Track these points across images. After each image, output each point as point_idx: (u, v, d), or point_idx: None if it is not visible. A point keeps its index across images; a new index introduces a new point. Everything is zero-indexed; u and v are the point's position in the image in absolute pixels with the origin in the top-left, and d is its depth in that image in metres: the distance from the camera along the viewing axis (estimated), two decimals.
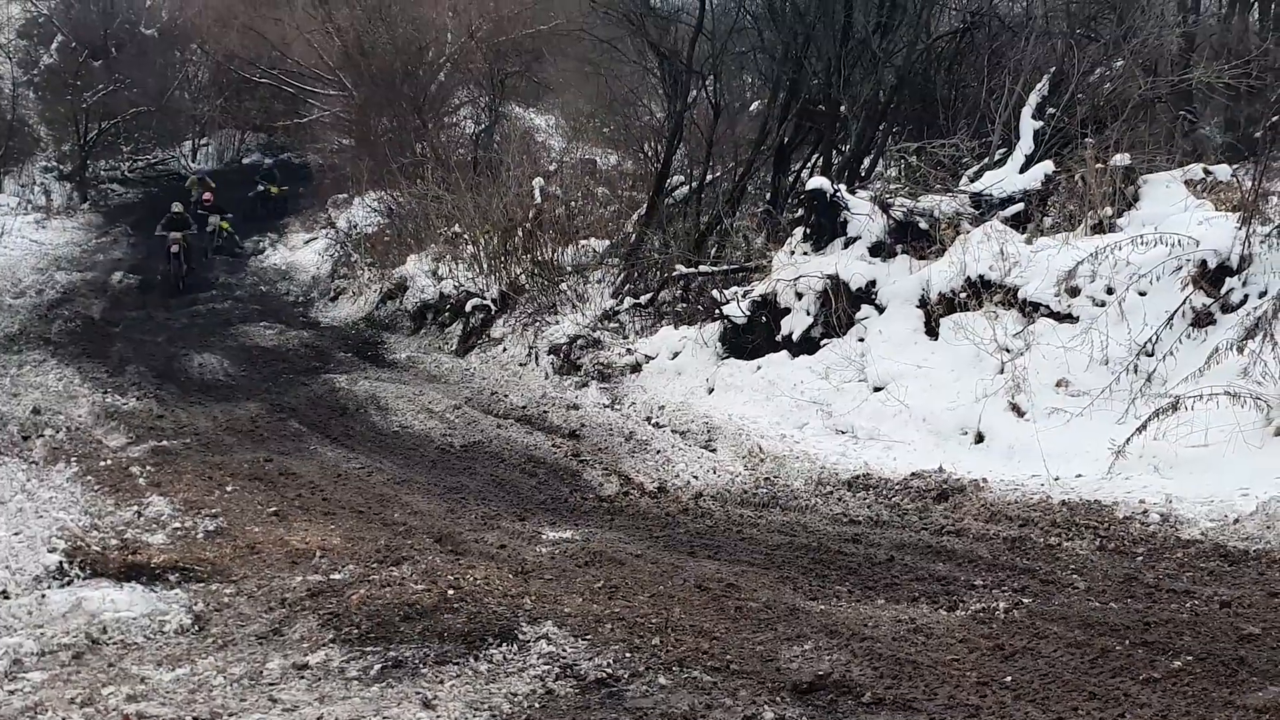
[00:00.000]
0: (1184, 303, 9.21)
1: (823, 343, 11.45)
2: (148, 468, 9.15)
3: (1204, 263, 9.44)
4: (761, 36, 16.93)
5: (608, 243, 17.28)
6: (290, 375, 14.75)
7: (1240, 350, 8.42)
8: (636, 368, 12.88)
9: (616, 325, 14.38)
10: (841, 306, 11.49)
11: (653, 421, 11.17)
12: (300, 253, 26.68)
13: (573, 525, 7.69)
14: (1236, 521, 6.48)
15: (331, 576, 6.16)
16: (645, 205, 16.89)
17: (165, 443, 10.28)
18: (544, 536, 7.30)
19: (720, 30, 16.91)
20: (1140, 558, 6.21)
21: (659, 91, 18.86)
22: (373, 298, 20.02)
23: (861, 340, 11.15)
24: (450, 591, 5.79)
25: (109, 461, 9.45)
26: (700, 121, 17.34)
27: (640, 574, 6.28)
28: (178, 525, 7.34)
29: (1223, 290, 9.26)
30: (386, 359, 16.26)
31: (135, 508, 7.73)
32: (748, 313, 12.28)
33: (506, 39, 27.93)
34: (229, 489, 8.42)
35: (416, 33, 27.93)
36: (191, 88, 38.06)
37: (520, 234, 17.32)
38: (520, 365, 14.61)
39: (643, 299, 14.72)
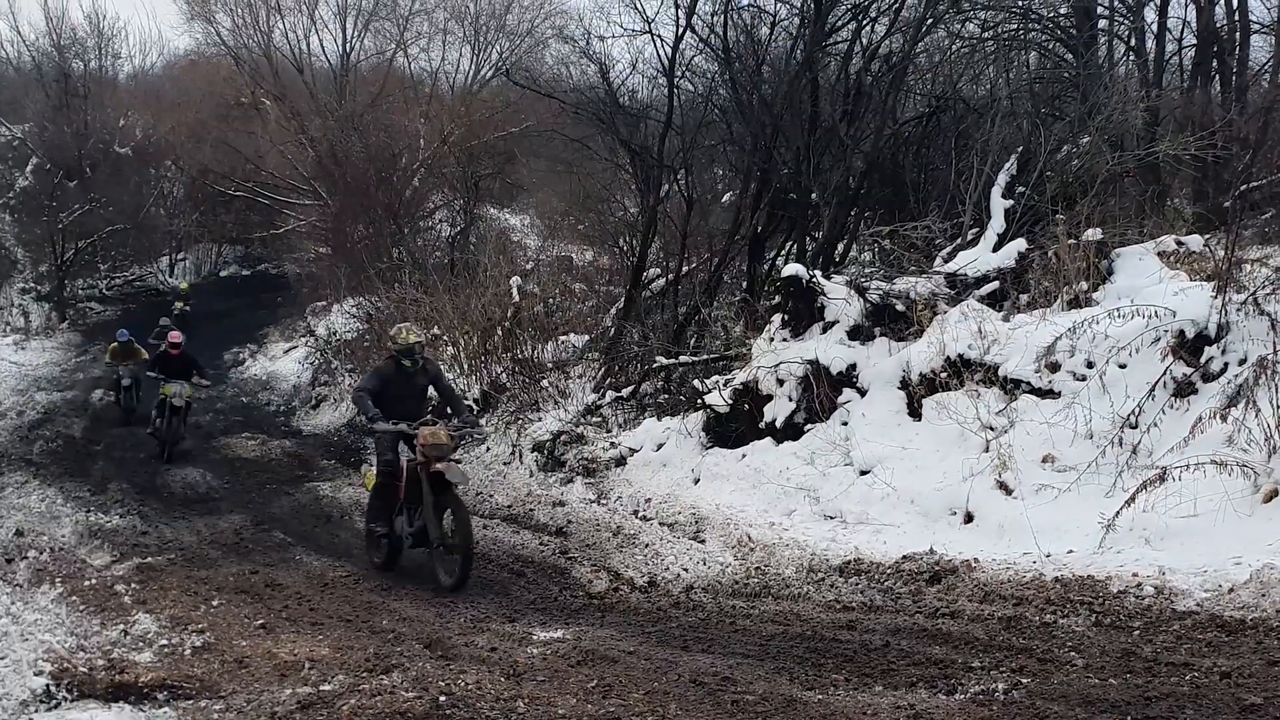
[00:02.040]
0: (1165, 373, 9.26)
1: (806, 428, 11.44)
2: (133, 585, 8.99)
3: (1182, 333, 9.52)
4: (730, 129, 17.20)
5: (587, 338, 17.34)
6: (274, 485, 14.63)
7: (1224, 418, 8.44)
8: (621, 461, 12.83)
9: (599, 419, 14.36)
10: (823, 391, 11.50)
11: (640, 515, 11.09)
12: (280, 362, 26.67)
13: (563, 624, 7.58)
14: (1231, 591, 6.42)
15: (321, 688, 6.02)
16: (623, 299, 17.00)
17: (150, 559, 10.14)
18: (535, 637, 7.19)
19: (689, 124, 17.18)
20: (1137, 631, 6.14)
21: (631, 187, 19.11)
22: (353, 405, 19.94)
23: (845, 424, 11.15)
24: (442, 698, 5.67)
25: (94, 581, 9.28)
26: (674, 214, 17.55)
27: (634, 671, 6.17)
28: (164, 642, 7.18)
29: (1202, 359, 9.32)
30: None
31: (121, 626, 7.58)
32: (730, 401, 12.28)
33: (479, 142, 28.33)
34: (215, 603, 8.27)
35: (389, 140, 28.32)
36: (167, 204, 38.37)
37: (499, 333, 17.37)
38: (504, 464, 14.53)
39: (624, 392, 14.72)
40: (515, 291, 18.12)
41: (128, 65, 43.14)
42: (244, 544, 11.15)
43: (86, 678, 6.32)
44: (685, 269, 16.87)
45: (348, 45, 37.47)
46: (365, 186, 26.93)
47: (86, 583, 9.17)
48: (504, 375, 16.73)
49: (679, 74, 16.70)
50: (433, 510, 9.21)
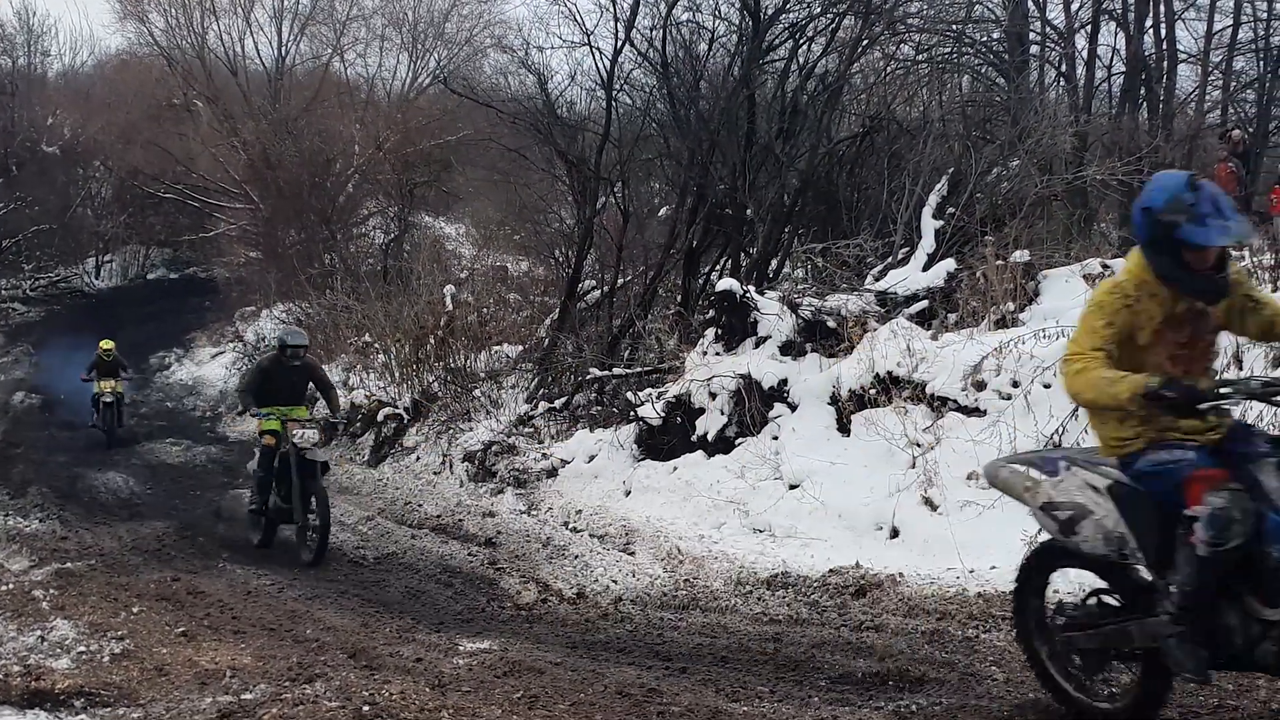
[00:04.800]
0: None
1: (738, 442, 11.50)
2: (51, 591, 8.81)
3: None
4: (668, 143, 17.27)
5: (521, 348, 17.31)
6: (198, 492, 14.42)
7: None
8: (553, 472, 12.81)
9: (531, 430, 14.33)
10: (755, 405, 11.57)
11: (570, 526, 11.08)
12: (207, 367, 26.31)
13: (491, 635, 7.54)
14: None
15: (242, 697, 5.94)
16: (558, 310, 16.98)
17: (69, 565, 9.92)
18: (461, 648, 7.14)
19: (627, 137, 17.21)
20: None
21: (568, 198, 19.10)
22: None
23: (776, 438, 11.22)
24: (365, 708, 5.62)
25: (10, 586, 9.08)
26: (610, 227, 17.57)
27: (560, 682, 6.16)
28: (83, 649, 7.05)
29: None
30: None
31: (39, 632, 7.42)
32: (662, 414, 12.31)
33: (414, 150, 28.15)
34: (135, 610, 8.13)
35: (324, 145, 28.07)
36: (94, 204, 37.69)
37: (432, 342, 17.27)
38: (434, 474, 14.44)
39: (557, 403, 14.70)
40: (449, 300, 18.04)
41: (57, 63, 42.40)
42: (166, 550, 10.97)
43: (1, 684, 6.19)
44: (620, 281, 16.90)
45: (283, 49, 37.08)
46: (298, 191, 26.67)
47: (3, 588, 8.99)
48: (436, 384, 16.63)
49: (617, 87, 16.76)
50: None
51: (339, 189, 28.14)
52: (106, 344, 20.00)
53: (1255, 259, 11.93)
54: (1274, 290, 9.67)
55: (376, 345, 18.60)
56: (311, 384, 12.02)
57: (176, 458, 17.27)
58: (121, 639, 7.23)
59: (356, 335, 19.55)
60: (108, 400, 19.16)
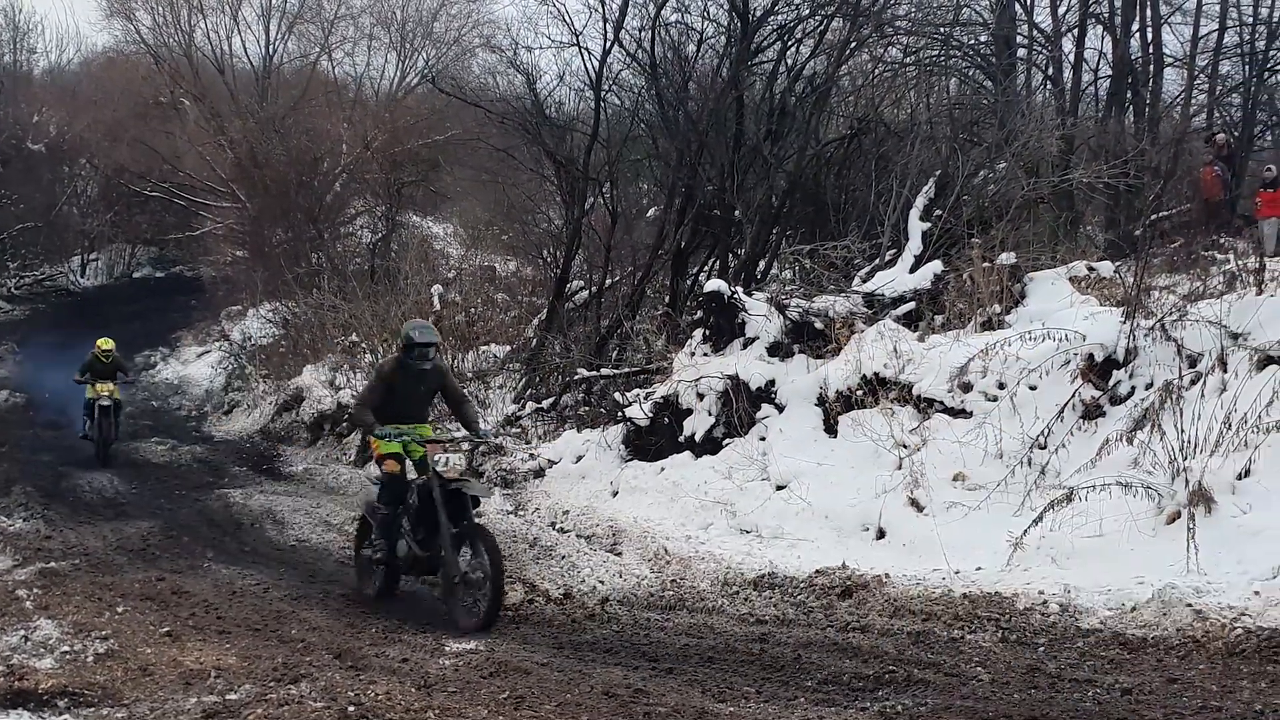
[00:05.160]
0: (1073, 396, 9.47)
1: (725, 442, 11.50)
2: (35, 590, 8.77)
3: (1091, 356, 9.75)
4: (656, 144, 17.28)
5: (508, 348, 17.29)
6: (183, 491, 14.36)
7: (1130, 441, 8.67)
8: (540, 473, 12.79)
9: (519, 430, 14.31)
10: (742, 406, 11.58)
11: (557, 527, 11.07)
12: (193, 366, 26.21)
13: (477, 636, 7.53)
14: (1134, 610, 6.58)
15: (227, 697, 5.92)
16: (545, 310, 16.98)
17: (53, 564, 9.87)
18: (448, 648, 7.13)
19: (615, 138, 17.22)
20: (1042, 648, 6.27)
21: (557, 198, 19.09)
22: (268, 410, 19.67)
23: (763, 439, 11.22)
24: (351, 709, 5.61)
25: None
26: (598, 227, 17.56)
27: (546, 683, 6.15)
28: (67, 649, 7.02)
29: (1110, 383, 9.55)
30: (283, 472, 15.93)
31: (22, 632, 7.39)
32: (650, 414, 12.31)
33: (402, 149, 28.08)
34: (120, 610, 8.10)
35: (311, 144, 27.97)
36: (80, 202, 37.47)
37: None
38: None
39: (545, 403, 14.69)
40: (436, 300, 18.02)
41: (44, 61, 42.11)
42: (151, 550, 10.92)
43: None
44: (608, 282, 16.89)
45: (271, 47, 36.93)
46: (285, 190, 26.56)
47: None
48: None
49: (606, 87, 16.76)
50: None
51: (326, 188, 28.05)
52: (105, 343, 17.54)
53: (1240, 263, 12.00)
54: (1258, 293, 9.70)
55: (363, 345, 18.55)
56: (440, 393, 9.44)
57: (161, 457, 17.20)
58: (106, 639, 7.20)
59: (343, 335, 19.49)
60: (104, 404, 16.72)
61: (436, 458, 8.33)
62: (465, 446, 9.12)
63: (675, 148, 16.00)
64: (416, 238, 26.76)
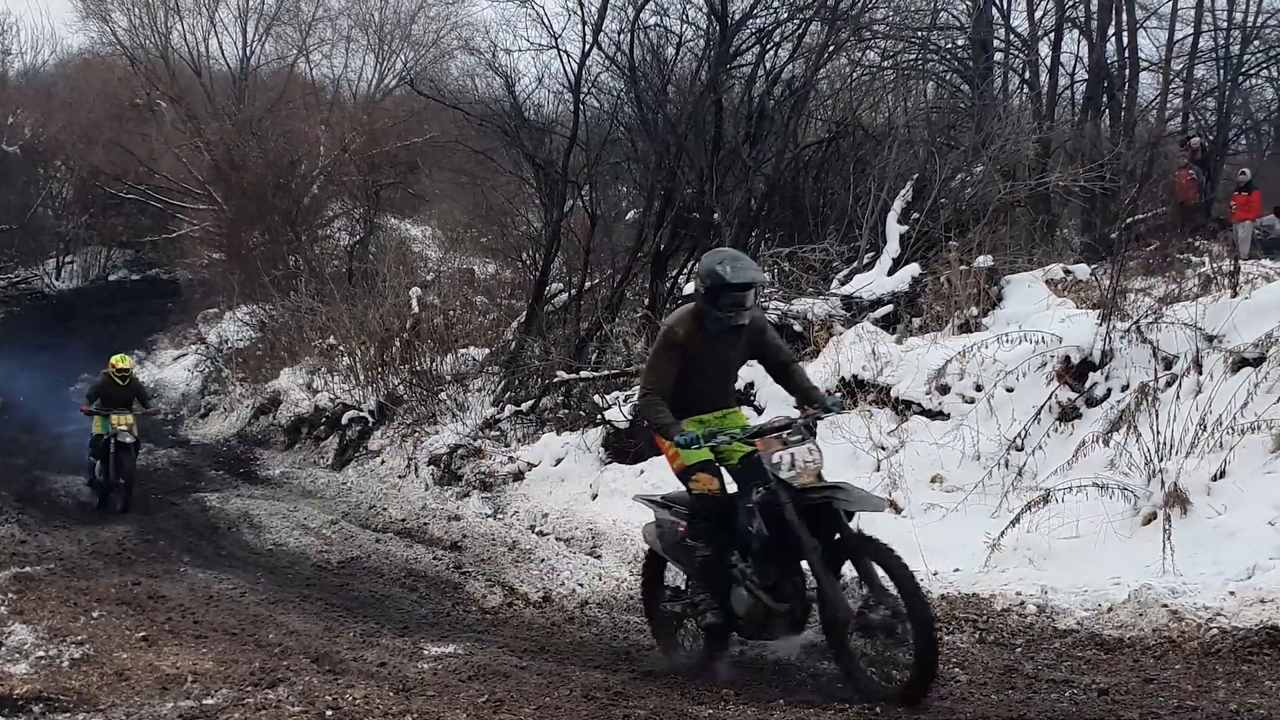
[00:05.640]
0: (1050, 398, 9.52)
1: None
2: (10, 595, 8.71)
3: (1067, 359, 9.81)
4: (635, 147, 17.29)
5: (487, 351, 17.26)
6: (159, 495, 14.28)
7: (1106, 443, 8.72)
8: (519, 476, 12.78)
9: (498, 433, 14.28)
10: None
11: (536, 530, 11.06)
12: (169, 369, 26.07)
13: (456, 639, 7.51)
14: (1110, 610, 6.62)
15: (204, 702, 5.89)
16: (525, 313, 16.95)
17: (28, 569, 9.81)
18: (426, 652, 7.11)
19: (594, 140, 17.21)
20: (1019, 649, 6.30)
21: (535, 201, 19.07)
22: (245, 413, 19.60)
23: None
24: (329, 713, 5.60)
25: None
26: (577, 230, 17.55)
27: (526, 686, 6.14)
28: (42, 654, 6.97)
29: (1086, 385, 9.62)
30: (260, 475, 15.86)
31: None
32: (630, 417, 12.30)
33: (380, 151, 28.01)
34: (95, 614, 8.05)
35: (289, 146, 27.90)
36: (55, 205, 37.21)
37: (398, 344, 17.20)
38: (399, 477, 14.37)
39: (524, 406, 14.66)
40: (415, 302, 17.98)
41: (18, 62, 41.78)
42: (126, 554, 10.87)
43: None
44: (588, 284, 16.88)
45: (248, 49, 36.79)
46: (262, 192, 26.48)
47: None
48: (401, 387, 16.56)
49: (585, 90, 16.75)
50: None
51: (304, 190, 27.97)
52: (122, 360, 14.36)
53: (1215, 266, 12.09)
54: (1233, 296, 9.76)
55: (341, 348, 18.50)
56: (759, 359, 6.47)
57: (137, 461, 17.10)
58: (81, 644, 7.16)
59: (321, 338, 19.43)
60: (124, 441, 13.43)
61: (777, 458, 5.78)
62: (810, 429, 6.08)
63: (654, 150, 16.02)
64: (394, 240, 26.70)
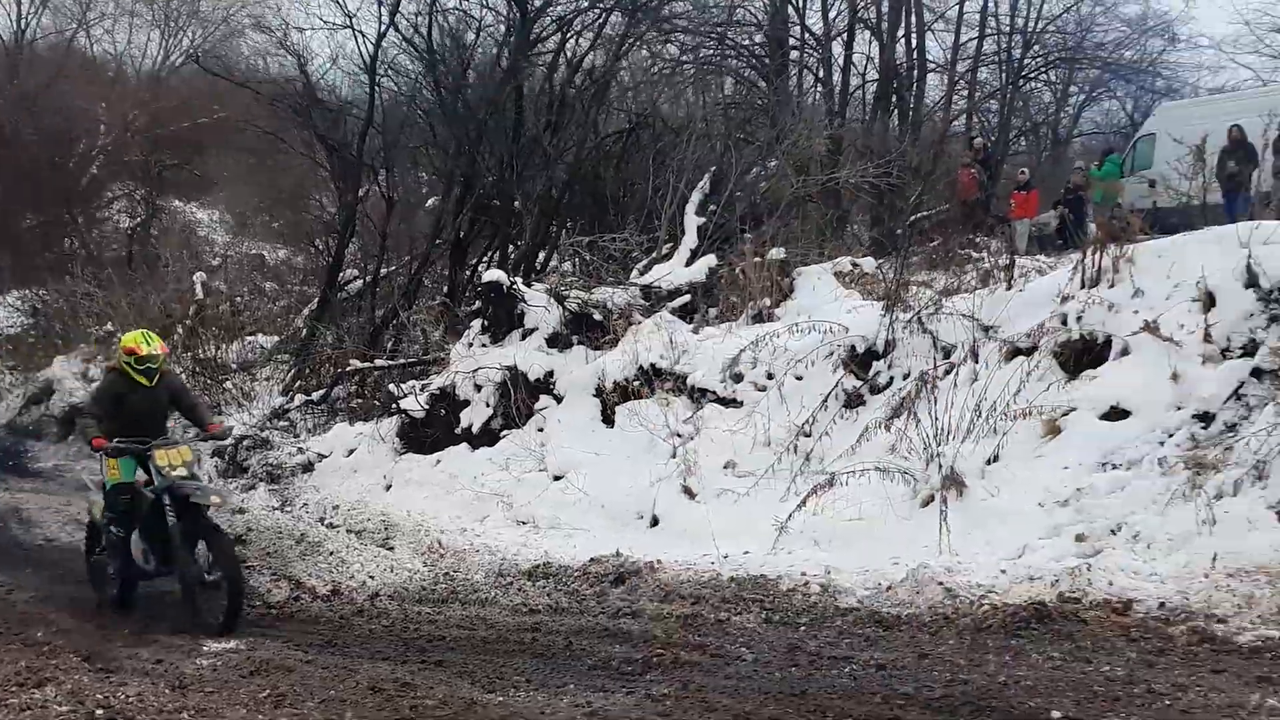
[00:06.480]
0: (836, 385, 9.81)
1: (503, 434, 11.42)
2: None
3: (853, 348, 10.13)
4: (434, 132, 17.00)
5: (277, 338, 16.71)
6: None
7: (888, 428, 9.04)
8: (309, 467, 12.43)
9: (287, 424, 13.85)
10: (520, 397, 11.53)
11: (326, 522, 10.75)
12: None
13: (238, 635, 7.23)
14: (889, 589, 6.85)
15: None
16: (317, 299, 16.49)
17: None
18: (205, 648, 6.83)
19: (391, 124, 16.85)
20: (803, 627, 6.46)
21: (330, 185, 18.55)
22: (15, 403, 18.48)
23: (541, 430, 11.21)
24: (99, 711, 5.33)
25: None
26: (374, 215, 17.16)
27: (310, 680, 5.95)
28: None
29: (871, 373, 9.94)
30: (30, 469, 15.02)
31: None
32: (426, 406, 12.11)
33: (165, 131, 26.80)
34: None
35: (66, 123, 26.42)
36: None
37: (180, 331, 16.49)
38: None
39: (315, 396, 14.26)
40: (199, 288, 17.28)
41: None
42: None
43: None
44: (384, 271, 16.54)
45: (23, 22, 34.57)
46: (36, 171, 25.02)
47: None
48: (184, 376, 15.87)
49: (381, 72, 16.39)
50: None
51: (82, 170, 26.57)
52: (148, 341, 7.98)
53: (994, 260, 12.68)
54: (1008, 289, 10.24)
55: (119, 335, 17.63)
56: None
57: None
58: None
59: (98, 324, 18.47)
60: (188, 495, 7.58)
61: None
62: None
63: (454, 136, 15.80)
64: (179, 223, 25.62)
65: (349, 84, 18.97)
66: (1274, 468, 6.87)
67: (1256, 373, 7.79)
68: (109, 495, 8.05)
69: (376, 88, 16.21)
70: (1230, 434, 7.48)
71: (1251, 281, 8.32)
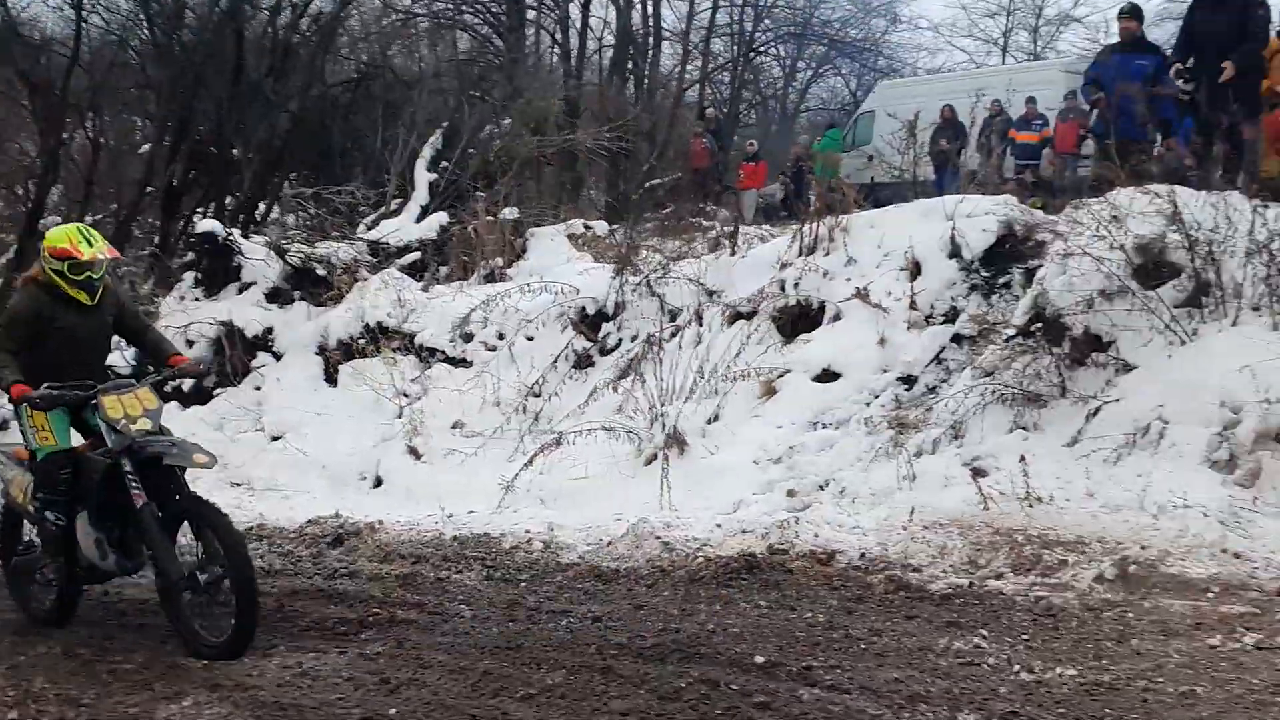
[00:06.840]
0: (566, 346, 9.88)
1: (216, 392, 10.91)
2: None
3: (584, 310, 10.22)
4: (147, 73, 16.00)
5: None
6: None
7: (615, 389, 9.16)
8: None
9: None
10: (237, 354, 11.05)
11: None
12: None
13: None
14: (609, 544, 6.95)
15: None
16: (14, 248, 15.26)
17: None
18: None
19: (101, 63, 15.74)
20: (524, 583, 6.46)
21: (31, 125, 17.17)
22: None
23: (259, 389, 10.79)
24: None
25: None
26: (80, 159, 16.02)
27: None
28: None
29: (600, 334, 10.05)
30: None
31: None
32: (133, 363, 11.40)
33: None
34: None
35: None
36: None
37: None
38: None
39: None
40: None
41: None
42: None
43: None
44: (90, 219, 15.45)
45: None
46: None
47: None
48: None
49: (89, 7, 15.27)
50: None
51: None
52: (80, 240, 5.86)
53: (721, 228, 12.99)
54: (732, 255, 10.52)
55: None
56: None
57: None
58: None
59: None
60: (154, 449, 5.83)
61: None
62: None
63: (168, 78, 14.90)
64: None
65: (54, 19, 17.65)
66: (969, 427, 7.34)
67: (956, 338, 8.34)
68: (40, 467, 5.86)
69: (84, 23, 15.10)
70: (931, 395, 7.96)
71: (955, 252, 8.87)
